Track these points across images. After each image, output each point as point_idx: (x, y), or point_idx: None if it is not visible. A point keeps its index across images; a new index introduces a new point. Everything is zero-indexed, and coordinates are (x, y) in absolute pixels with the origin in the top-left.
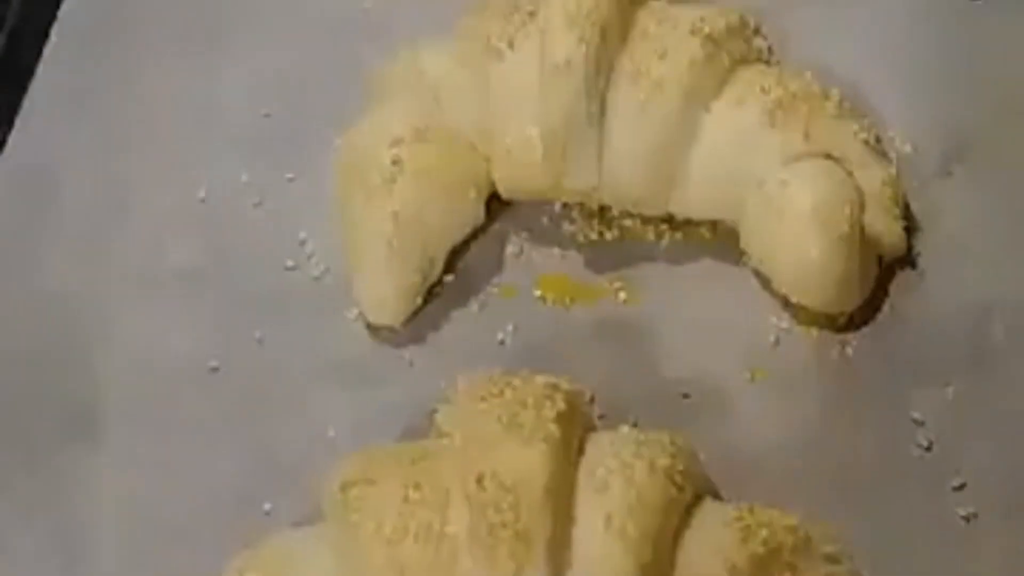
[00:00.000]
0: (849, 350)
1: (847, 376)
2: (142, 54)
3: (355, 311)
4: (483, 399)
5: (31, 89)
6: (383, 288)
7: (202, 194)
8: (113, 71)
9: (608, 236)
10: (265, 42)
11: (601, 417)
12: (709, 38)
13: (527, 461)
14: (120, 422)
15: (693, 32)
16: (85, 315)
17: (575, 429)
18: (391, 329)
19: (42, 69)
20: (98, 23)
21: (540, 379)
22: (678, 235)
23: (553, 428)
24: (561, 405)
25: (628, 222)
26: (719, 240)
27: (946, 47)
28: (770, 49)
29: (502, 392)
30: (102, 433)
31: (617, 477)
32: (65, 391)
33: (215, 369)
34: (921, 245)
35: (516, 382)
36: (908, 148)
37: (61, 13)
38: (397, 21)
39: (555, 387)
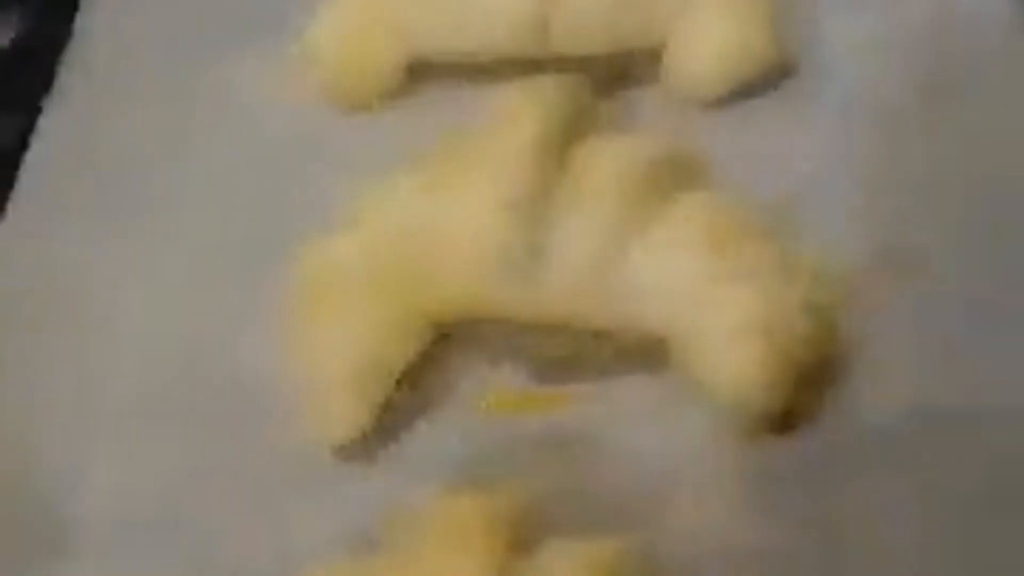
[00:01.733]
0: (776, 455)
1: (786, 479)
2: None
3: (308, 428)
4: (430, 518)
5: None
6: (335, 408)
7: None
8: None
9: (551, 350)
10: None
11: (543, 527)
12: (642, 167)
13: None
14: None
15: (629, 160)
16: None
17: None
18: (344, 445)
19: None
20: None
21: (481, 498)
22: (617, 348)
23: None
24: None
25: (572, 337)
26: (656, 352)
27: (874, 165)
28: (703, 178)
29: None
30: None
31: None
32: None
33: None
34: (848, 359)
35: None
36: (837, 259)
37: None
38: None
39: (496, 504)
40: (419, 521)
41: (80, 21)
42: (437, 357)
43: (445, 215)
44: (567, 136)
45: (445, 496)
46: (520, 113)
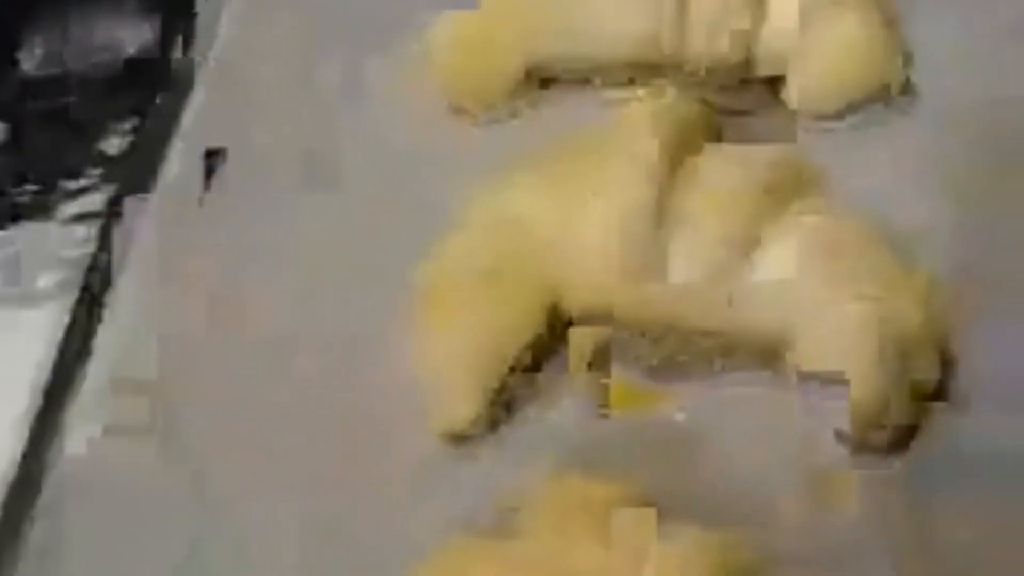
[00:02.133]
0: (889, 474)
1: (895, 497)
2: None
3: (428, 418)
4: (565, 504)
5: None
6: (454, 393)
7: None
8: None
9: (669, 352)
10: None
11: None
12: (758, 177)
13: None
14: None
15: (744, 171)
16: None
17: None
18: (463, 434)
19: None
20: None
21: (615, 487)
22: (732, 355)
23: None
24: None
25: (687, 337)
26: (771, 362)
27: (989, 192)
28: (815, 184)
29: (583, 499)
30: None
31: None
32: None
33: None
34: (956, 379)
35: (595, 488)
36: (945, 282)
37: None
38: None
39: (628, 495)
40: (534, 503)
41: (203, 25)
42: (552, 349)
43: (566, 216)
44: (687, 144)
45: (558, 479)
46: (642, 120)
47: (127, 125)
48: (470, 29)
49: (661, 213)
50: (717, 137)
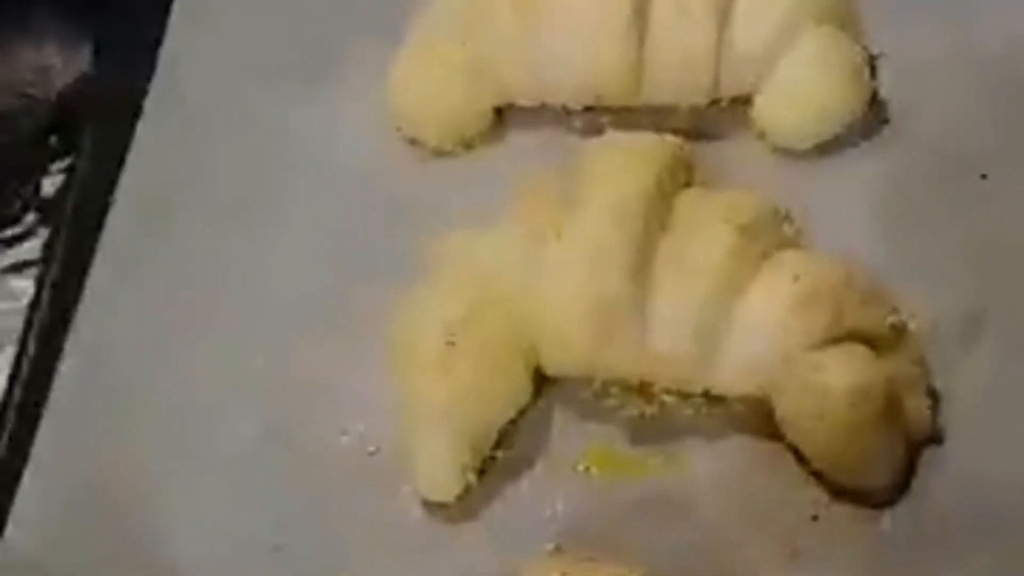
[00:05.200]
0: (882, 526)
1: (881, 552)
2: (196, 227)
3: (409, 486)
4: None
5: (92, 267)
6: (438, 464)
7: (259, 365)
8: (169, 245)
9: (648, 411)
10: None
11: None
12: (741, 226)
13: None
14: None
15: (727, 221)
16: (146, 498)
17: None
18: (444, 504)
19: (103, 243)
20: (155, 195)
21: (604, 570)
22: (716, 411)
23: None
24: None
25: (667, 397)
26: (755, 416)
27: (960, 221)
28: (798, 232)
29: None
30: None
31: None
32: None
33: (278, 548)
34: (945, 421)
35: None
36: (928, 325)
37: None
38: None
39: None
40: None
41: (167, 47)
42: (532, 416)
43: (544, 270)
44: (665, 191)
45: (572, 566)
46: (619, 168)
47: (62, 164)
48: (434, 66)
49: (641, 261)
50: (690, 172)
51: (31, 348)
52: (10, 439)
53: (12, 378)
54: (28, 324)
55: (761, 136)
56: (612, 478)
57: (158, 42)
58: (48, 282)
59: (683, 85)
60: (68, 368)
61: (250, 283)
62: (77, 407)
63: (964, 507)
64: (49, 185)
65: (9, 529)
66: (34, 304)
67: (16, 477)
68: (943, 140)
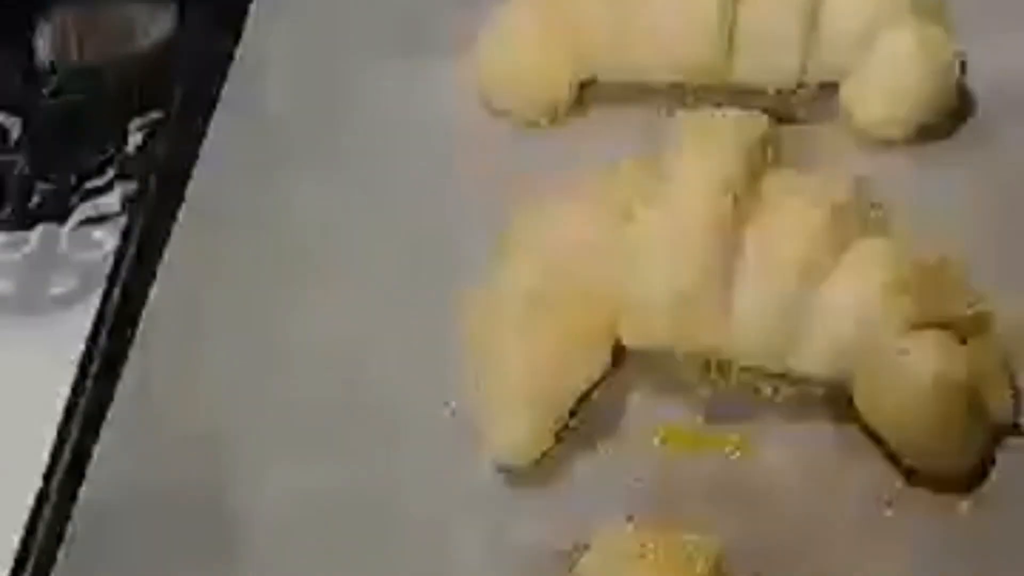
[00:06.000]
0: (961, 512)
1: (957, 538)
2: (291, 185)
3: (487, 451)
4: (627, 557)
5: (178, 218)
6: (516, 428)
7: (343, 324)
8: (258, 203)
9: (725, 388)
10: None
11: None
12: (831, 209)
13: None
14: (263, 551)
15: (816, 204)
16: (230, 453)
17: None
18: (520, 469)
19: (187, 203)
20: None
21: (680, 539)
22: (792, 391)
23: None
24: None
25: (745, 376)
26: (831, 398)
27: None
28: (884, 219)
29: (644, 553)
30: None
31: None
32: (209, 526)
33: (349, 506)
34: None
35: (657, 542)
36: (1012, 320)
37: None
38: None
39: (696, 548)
40: (618, 562)
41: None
42: (610, 388)
43: (629, 243)
44: (755, 168)
45: (651, 535)
46: (710, 143)
47: (147, 120)
48: (522, 39)
49: (724, 245)
50: (777, 154)
51: (115, 296)
52: (94, 383)
53: (96, 324)
54: (114, 272)
55: (847, 122)
56: (686, 453)
57: (244, 2)
58: (134, 234)
59: (772, 66)
60: (151, 315)
61: (339, 244)
62: (159, 356)
63: None
64: (131, 141)
65: (90, 471)
66: (121, 251)
67: (97, 427)
68: None
